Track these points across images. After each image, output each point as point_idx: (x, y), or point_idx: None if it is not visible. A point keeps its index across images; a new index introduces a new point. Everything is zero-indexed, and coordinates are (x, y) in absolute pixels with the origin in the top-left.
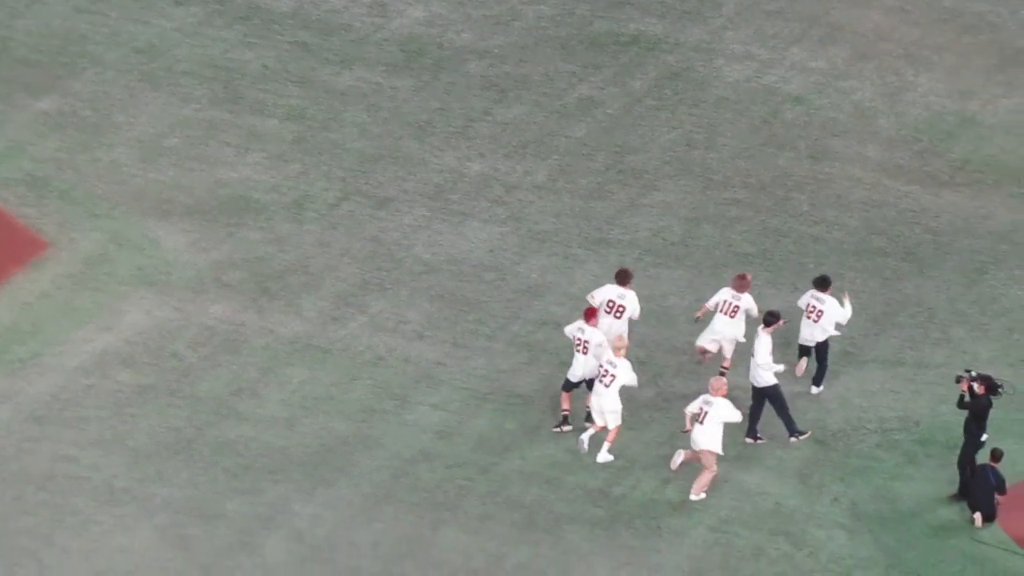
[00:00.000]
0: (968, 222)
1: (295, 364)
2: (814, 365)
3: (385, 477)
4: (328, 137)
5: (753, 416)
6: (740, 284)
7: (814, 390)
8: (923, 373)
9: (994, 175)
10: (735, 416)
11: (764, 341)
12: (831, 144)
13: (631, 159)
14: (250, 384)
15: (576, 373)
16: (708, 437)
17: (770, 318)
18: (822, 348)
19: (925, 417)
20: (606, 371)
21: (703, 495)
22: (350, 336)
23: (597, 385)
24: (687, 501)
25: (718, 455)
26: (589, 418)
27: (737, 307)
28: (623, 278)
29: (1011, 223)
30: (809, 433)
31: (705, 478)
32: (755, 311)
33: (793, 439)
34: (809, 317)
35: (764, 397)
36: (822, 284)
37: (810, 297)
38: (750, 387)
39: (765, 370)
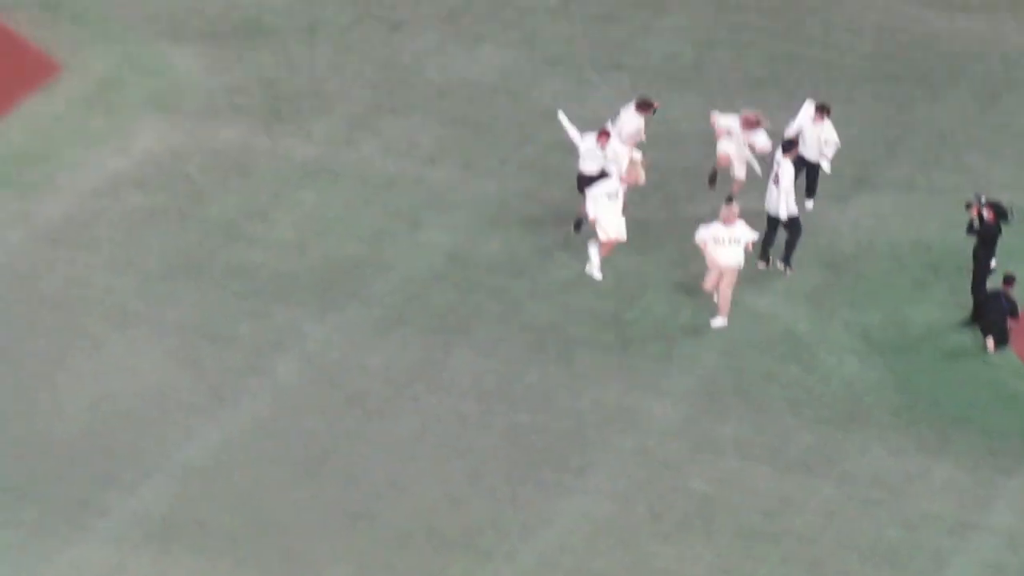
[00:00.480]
0: (982, 46)
1: (306, 188)
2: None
3: (397, 300)
4: None
5: (766, 241)
6: (748, 124)
7: (809, 204)
8: (935, 198)
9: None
10: (752, 235)
11: (787, 168)
12: None
13: None
14: (261, 208)
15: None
16: (732, 257)
17: (789, 145)
18: (814, 169)
19: (936, 242)
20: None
21: (724, 320)
22: (362, 159)
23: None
24: (699, 326)
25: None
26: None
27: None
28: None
29: None
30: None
31: (726, 295)
32: (767, 147)
33: (784, 268)
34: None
35: (781, 226)
36: (821, 111)
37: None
38: (765, 214)
39: (789, 198)
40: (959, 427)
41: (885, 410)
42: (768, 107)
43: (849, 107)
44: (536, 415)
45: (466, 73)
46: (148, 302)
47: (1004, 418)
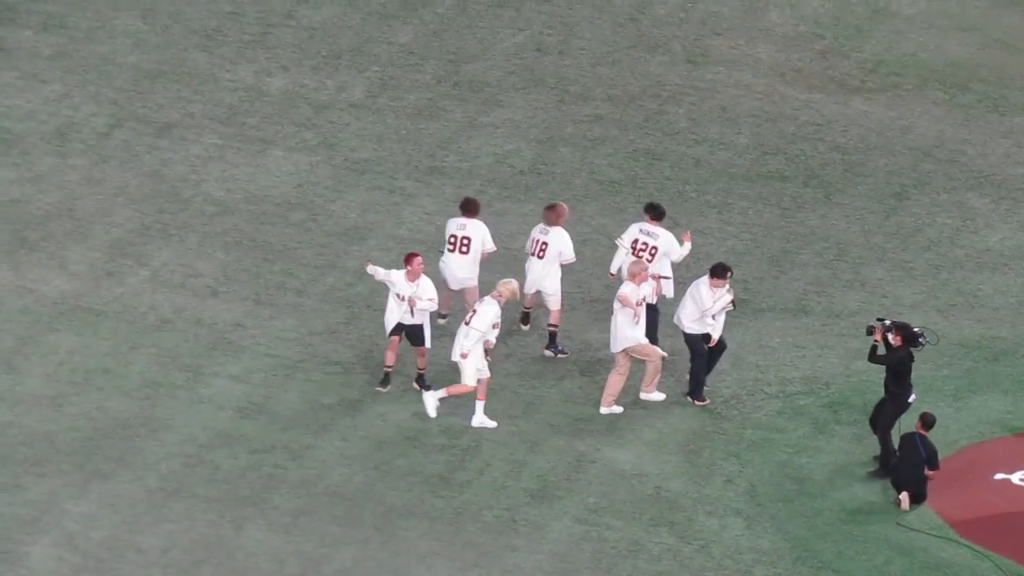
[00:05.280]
0: (883, 136)
1: (61, 330)
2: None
3: (175, 466)
4: (95, 51)
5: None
6: (551, 216)
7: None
8: (833, 323)
9: (914, 78)
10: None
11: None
12: (713, 45)
13: (468, 69)
14: (5, 356)
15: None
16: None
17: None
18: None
19: (837, 377)
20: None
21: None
22: (127, 294)
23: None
24: (547, 487)
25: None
26: (420, 380)
27: (545, 244)
28: (469, 209)
29: (936, 136)
30: (708, 402)
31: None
32: (569, 252)
33: (697, 401)
34: (640, 255)
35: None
36: (654, 213)
37: (637, 231)
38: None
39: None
40: None
41: None
42: (625, 215)
43: (725, 213)
44: None
45: (252, 185)
46: None
47: None
